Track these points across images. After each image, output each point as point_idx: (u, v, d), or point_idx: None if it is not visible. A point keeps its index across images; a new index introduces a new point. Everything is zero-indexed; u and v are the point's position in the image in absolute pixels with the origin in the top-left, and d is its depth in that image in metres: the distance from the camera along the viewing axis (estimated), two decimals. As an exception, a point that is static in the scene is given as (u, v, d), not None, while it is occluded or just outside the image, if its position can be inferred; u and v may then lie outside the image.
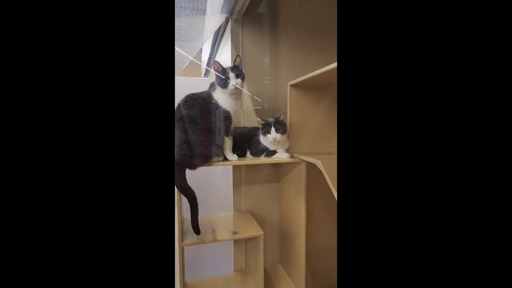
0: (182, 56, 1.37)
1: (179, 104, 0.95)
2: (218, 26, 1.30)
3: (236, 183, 1.33)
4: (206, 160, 0.95)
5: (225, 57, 1.38)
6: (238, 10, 1.21)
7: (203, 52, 1.49)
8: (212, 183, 1.50)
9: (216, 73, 0.96)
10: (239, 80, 0.95)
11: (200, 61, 1.49)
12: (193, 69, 1.45)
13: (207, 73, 1.56)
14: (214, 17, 1.27)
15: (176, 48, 1.33)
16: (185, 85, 1.39)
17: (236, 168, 1.32)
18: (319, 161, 0.88)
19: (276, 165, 1.37)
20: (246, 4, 1.18)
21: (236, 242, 1.37)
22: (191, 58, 1.36)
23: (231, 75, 0.94)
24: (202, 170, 0.96)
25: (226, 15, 1.25)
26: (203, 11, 1.22)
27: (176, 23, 1.23)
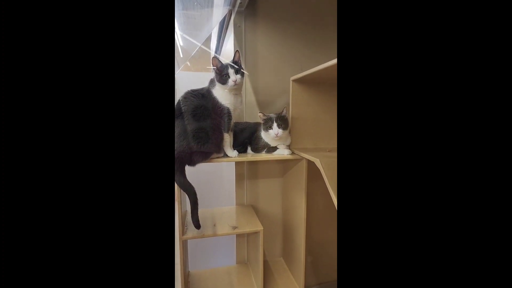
0: (189, 49, 1.35)
1: (179, 100, 0.95)
2: (221, 19, 1.28)
3: (239, 178, 1.34)
4: (206, 156, 0.96)
5: (229, 50, 1.36)
6: (240, 2, 1.18)
7: (211, 42, 1.47)
8: (216, 177, 1.51)
9: (215, 69, 0.95)
10: (238, 76, 0.94)
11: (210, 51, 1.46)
12: (204, 62, 1.42)
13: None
14: (217, 9, 1.24)
15: (186, 36, 1.31)
16: (191, 80, 1.39)
17: (238, 162, 1.33)
18: (318, 160, 0.87)
19: (279, 160, 1.36)
20: (248, -4, 1.15)
21: (239, 235, 1.39)
22: (199, 46, 1.32)
23: (231, 71, 0.93)
24: (205, 164, 0.97)
25: (229, 7, 1.23)
26: (211, 3, 1.19)
27: (189, 12, 1.21)
